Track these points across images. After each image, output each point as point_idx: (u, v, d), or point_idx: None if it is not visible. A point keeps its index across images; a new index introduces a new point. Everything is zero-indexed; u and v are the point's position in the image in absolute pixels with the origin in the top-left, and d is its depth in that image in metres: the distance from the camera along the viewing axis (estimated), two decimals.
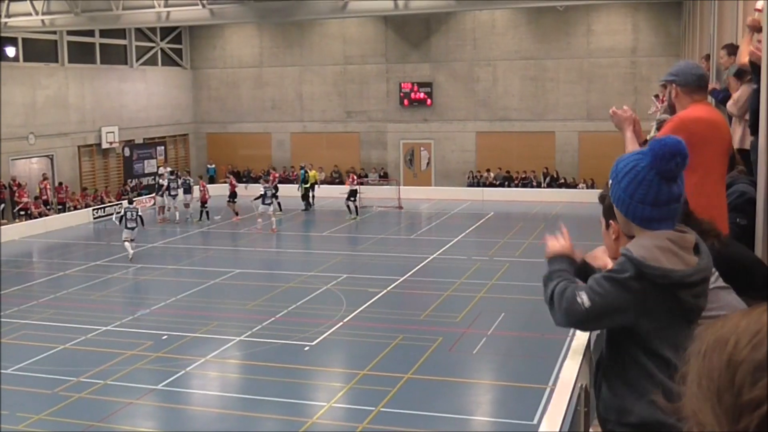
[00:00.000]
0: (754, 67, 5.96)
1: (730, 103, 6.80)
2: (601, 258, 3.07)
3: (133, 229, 25.01)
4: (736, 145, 5.83)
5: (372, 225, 31.15)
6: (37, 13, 29.14)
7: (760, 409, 1.02)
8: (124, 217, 25.15)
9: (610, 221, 2.93)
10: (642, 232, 2.65)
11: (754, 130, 6.02)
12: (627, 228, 2.73)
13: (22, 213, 30.96)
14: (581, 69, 36.53)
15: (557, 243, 2.92)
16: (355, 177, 33.35)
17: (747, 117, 6.19)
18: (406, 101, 38.55)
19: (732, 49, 7.63)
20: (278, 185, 32.35)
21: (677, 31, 34.20)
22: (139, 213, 25.63)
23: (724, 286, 2.94)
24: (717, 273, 2.97)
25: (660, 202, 2.58)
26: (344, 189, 32.81)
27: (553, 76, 36.90)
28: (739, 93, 6.47)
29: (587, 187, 34.37)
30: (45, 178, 32.73)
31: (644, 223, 2.63)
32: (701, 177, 3.94)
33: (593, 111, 35.57)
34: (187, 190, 32.77)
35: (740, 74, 6.60)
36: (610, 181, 2.70)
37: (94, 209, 33.59)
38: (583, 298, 2.58)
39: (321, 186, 36.26)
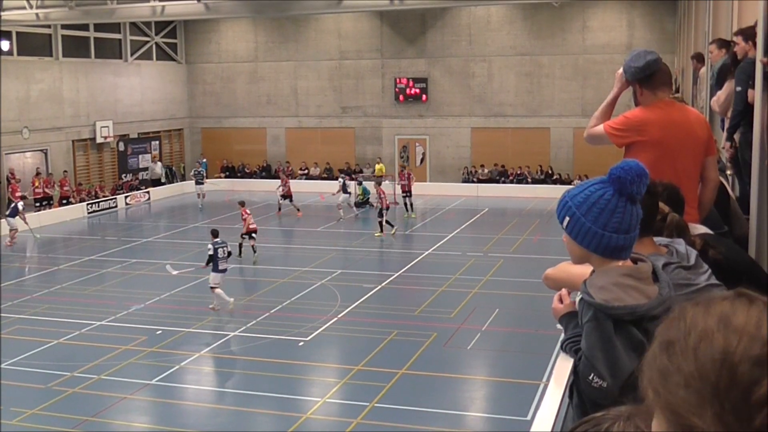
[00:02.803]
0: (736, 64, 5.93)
1: (713, 101, 6.75)
2: (570, 275, 3.03)
3: None
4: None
5: (366, 220, 31.14)
6: (31, 7, 29.00)
7: None
8: None
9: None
10: (602, 263, 2.59)
11: (733, 134, 5.99)
12: (584, 260, 2.65)
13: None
14: (576, 65, 36.56)
15: (560, 305, 2.92)
16: (285, 178, 32.48)
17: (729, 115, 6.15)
18: (401, 97, 38.53)
19: (722, 44, 7.57)
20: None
21: (672, 28, 34.24)
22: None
23: (716, 284, 2.95)
24: (709, 270, 2.98)
25: (631, 229, 2.55)
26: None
27: (549, 72, 36.92)
28: (722, 91, 6.42)
29: None
30: (38, 173, 32.60)
31: (614, 253, 2.56)
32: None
33: (588, 107, 35.57)
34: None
35: (723, 72, 6.54)
36: (567, 218, 2.59)
37: (88, 204, 33.52)
38: (596, 380, 2.51)
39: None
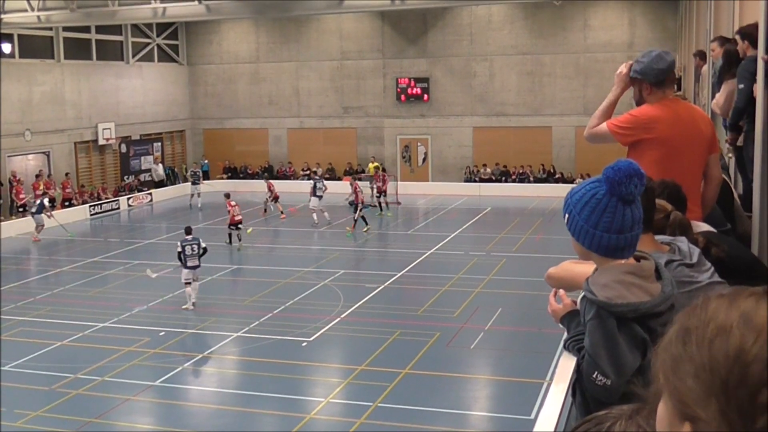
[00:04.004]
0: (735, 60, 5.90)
1: (713, 104, 6.73)
2: (572, 274, 3.03)
3: None
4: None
5: (369, 220, 31.11)
6: (32, 9, 29.04)
7: None
8: None
9: None
10: (603, 261, 2.61)
11: (734, 128, 5.98)
12: (587, 257, 2.67)
13: (20, 210, 30.93)
14: (578, 64, 36.53)
15: (558, 306, 2.92)
16: (270, 184, 32.20)
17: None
18: (402, 97, 38.52)
19: (724, 41, 7.55)
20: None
21: (674, 27, 34.21)
22: None
23: (720, 281, 2.95)
24: (712, 268, 2.98)
25: (625, 229, 2.53)
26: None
27: (550, 71, 36.89)
28: (720, 94, 6.39)
29: None
30: (39, 175, 32.61)
31: (609, 252, 2.57)
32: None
33: (590, 106, 35.54)
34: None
35: (723, 70, 6.50)
36: (566, 215, 2.63)
37: (90, 206, 33.56)
38: (599, 378, 2.51)
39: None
